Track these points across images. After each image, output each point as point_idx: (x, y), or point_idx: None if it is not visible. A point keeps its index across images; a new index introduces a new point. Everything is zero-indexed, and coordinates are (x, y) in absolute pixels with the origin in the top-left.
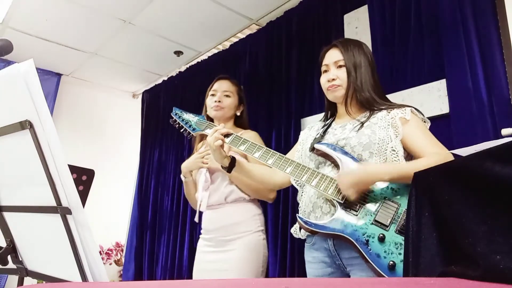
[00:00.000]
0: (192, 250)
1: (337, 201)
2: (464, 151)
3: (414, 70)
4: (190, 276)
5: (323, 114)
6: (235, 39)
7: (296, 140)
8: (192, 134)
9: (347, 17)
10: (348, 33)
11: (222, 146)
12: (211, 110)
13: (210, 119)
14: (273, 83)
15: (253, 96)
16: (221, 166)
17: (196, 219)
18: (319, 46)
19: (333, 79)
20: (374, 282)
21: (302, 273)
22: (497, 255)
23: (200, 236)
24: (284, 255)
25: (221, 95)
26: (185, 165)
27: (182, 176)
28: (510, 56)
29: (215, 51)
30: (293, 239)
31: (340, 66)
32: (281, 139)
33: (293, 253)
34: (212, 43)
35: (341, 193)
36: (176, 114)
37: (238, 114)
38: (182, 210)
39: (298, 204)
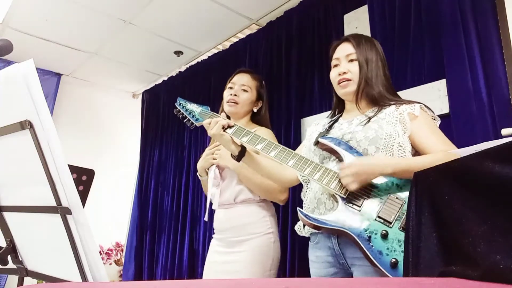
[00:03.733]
0: (192, 250)
1: (339, 196)
2: (464, 151)
3: (414, 70)
4: (190, 276)
5: (323, 114)
6: (235, 39)
7: (296, 140)
8: (195, 125)
9: (347, 17)
10: (348, 33)
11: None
12: (226, 105)
13: (227, 116)
14: (273, 83)
15: None
16: (231, 154)
17: (206, 218)
18: (319, 46)
19: (344, 73)
20: (375, 282)
21: (302, 273)
22: (497, 255)
23: (213, 235)
24: (284, 255)
25: (238, 89)
26: (199, 164)
27: (198, 175)
28: (510, 56)
29: (215, 51)
30: (294, 239)
31: (352, 60)
32: (281, 139)
33: (293, 253)
34: (212, 43)
35: (344, 187)
36: (180, 104)
37: (255, 110)
38: (182, 210)
39: (299, 204)
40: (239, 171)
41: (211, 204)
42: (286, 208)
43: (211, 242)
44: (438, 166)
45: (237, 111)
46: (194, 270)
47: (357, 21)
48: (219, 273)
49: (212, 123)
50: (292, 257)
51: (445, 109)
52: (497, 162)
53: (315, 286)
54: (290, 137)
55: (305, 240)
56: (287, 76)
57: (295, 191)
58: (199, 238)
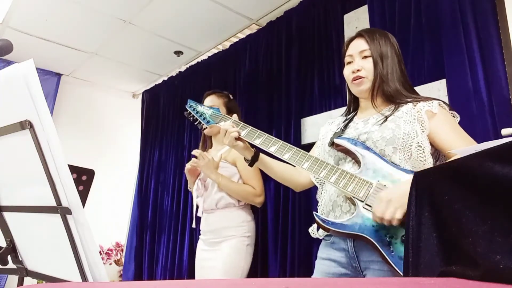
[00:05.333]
0: (192, 250)
1: (357, 199)
2: (464, 151)
3: (414, 70)
4: (190, 276)
5: (323, 114)
6: (235, 39)
7: (296, 140)
8: (206, 127)
9: (347, 17)
10: (348, 33)
11: (239, 139)
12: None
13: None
14: (273, 83)
15: (253, 96)
16: (244, 158)
17: (194, 224)
18: (319, 46)
19: (358, 70)
20: (375, 282)
21: (302, 273)
22: (497, 255)
23: (199, 236)
24: (284, 255)
25: None
26: (188, 181)
27: (189, 189)
28: (510, 56)
29: (215, 51)
30: (294, 239)
31: (366, 57)
32: (281, 139)
33: (293, 253)
34: (212, 43)
35: (362, 190)
36: (190, 106)
37: None
38: (182, 210)
39: (298, 204)
40: (219, 181)
41: (197, 211)
42: (287, 208)
43: (198, 242)
44: (438, 166)
45: (211, 131)
46: (194, 270)
47: (357, 21)
48: (202, 268)
49: (227, 134)
50: (292, 257)
51: None
52: (497, 162)
53: (315, 286)
54: (290, 137)
55: (306, 240)
56: (287, 76)
57: (296, 193)
58: (199, 238)
